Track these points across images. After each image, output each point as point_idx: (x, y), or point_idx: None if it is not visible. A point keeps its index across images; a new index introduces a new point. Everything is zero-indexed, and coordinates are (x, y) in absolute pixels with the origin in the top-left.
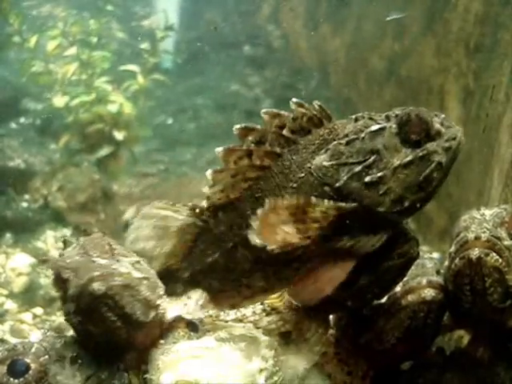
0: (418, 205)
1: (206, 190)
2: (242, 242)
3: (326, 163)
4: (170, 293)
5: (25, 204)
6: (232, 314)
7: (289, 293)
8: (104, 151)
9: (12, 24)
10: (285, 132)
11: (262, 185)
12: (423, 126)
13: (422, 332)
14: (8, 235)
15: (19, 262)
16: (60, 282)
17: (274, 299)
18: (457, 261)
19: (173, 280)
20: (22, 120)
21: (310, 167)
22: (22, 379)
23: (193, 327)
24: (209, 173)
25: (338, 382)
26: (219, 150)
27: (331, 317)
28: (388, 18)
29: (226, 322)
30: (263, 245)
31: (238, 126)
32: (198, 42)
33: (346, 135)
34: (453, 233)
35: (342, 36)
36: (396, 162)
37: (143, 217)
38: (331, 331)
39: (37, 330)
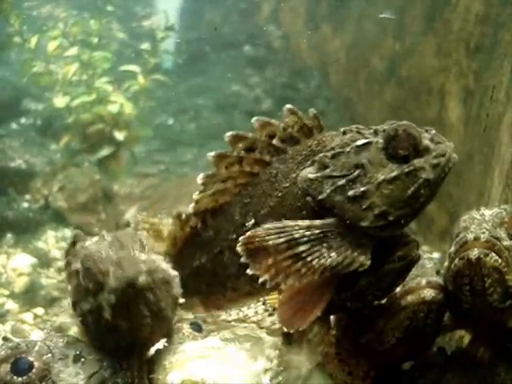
0: (403, 220)
1: (195, 195)
2: (229, 247)
3: (311, 175)
4: None
5: (26, 204)
6: (234, 315)
7: (281, 323)
8: (105, 151)
9: (13, 24)
10: (275, 141)
11: (250, 191)
12: (411, 142)
13: (422, 332)
14: (9, 235)
15: (20, 262)
16: (92, 273)
17: (276, 300)
18: (456, 261)
19: None
20: (23, 120)
21: (294, 177)
22: (25, 377)
23: (196, 327)
24: (200, 177)
25: (339, 382)
26: (211, 154)
27: (332, 317)
28: (381, 16)
29: (229, 322)
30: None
31: (229, 134)
32: (198, 42)
33: (333, 148)
34: (453, 233)
35: (343, 36)
36: (381, 177)
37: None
38: (332, 332)
39: (38, 330)
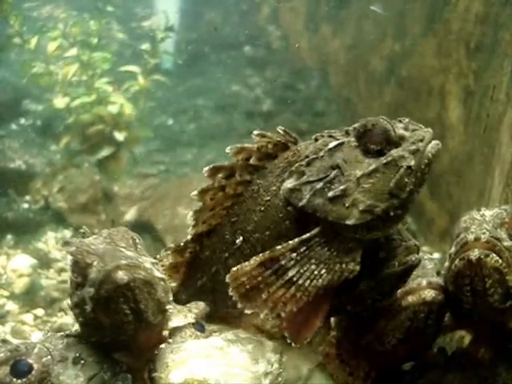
0: (393, 213)
1: (189, 230)
2: (223, 266)
3: (290, 185)
4: None
5: (25, 205)
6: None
7: (289, 340)
8: (104, 152)
9: (12, 25)
10: (252, 161)
11: (237, 209)
12: (382, 135)
13: (423, 333)
14: (9, 236)
15: (20, 263)
16: (80, 266)
17: None
18: (457, 262)
19: (174, 301)
20: (23, 121)
21: (275, 190)
22: (24, 379)
23: (199, 327)
24: (189, 216)
25: (340, 382)
26: (194, 193)
27: (332, 318)
28: (371, 7)
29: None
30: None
31: (206, 168)
32: (198, 42)
33: (307, 156)
34: (453, 234)
35: (342, 36)
36: (359, 172)
37: None
38: (333, 333)
39: (38, 331)
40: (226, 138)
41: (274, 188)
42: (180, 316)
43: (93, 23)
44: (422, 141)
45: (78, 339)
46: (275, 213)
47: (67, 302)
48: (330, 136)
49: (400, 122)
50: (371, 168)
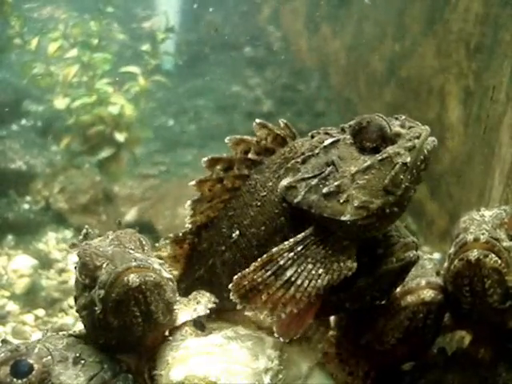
0: (389, 210)
1: (187, 219)
2: (220, 259)
3: (285, 183)
4: None
5: (26, 206)
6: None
7: (277, 334)
8: (105, 153)
9: (13, 26)
10: (250, 155)
11: (234, 203)
12: (378, 132)
13: (422, 333)
14: (10, 237)
15: (21, 264)
16: (88, 268)
17: None
18: (456, 262)
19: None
20: (24, 122)
21: (271, 186)
22: (25, 380)
23: (199, 326)
24: (188, 204)
25: (339, 382)
26: (192, 183)
27: (332, 318)
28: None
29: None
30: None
31: (205, 159)
32: (198, 43)
33: (303, 153)
34: (452, 234)
35: (343, 37)
36: (353, 169)
37: None
38: (332, 332)
39: (39, 332)
40: (226, 138)
41: (271, 184)
42: (188, 310)
43: (93, 24)
44: (418, 138)
45: (78, 339)
46: (271, 208)
47: (68, 303)
48: (326, 133)
49: (397, 119)
50: (366, 164)
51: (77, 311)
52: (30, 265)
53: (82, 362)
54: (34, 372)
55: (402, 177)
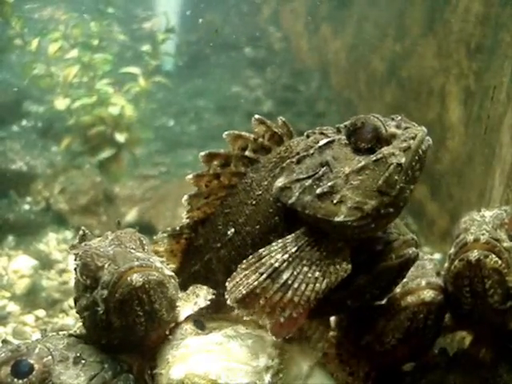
0: (384, 211)
1: (184, 215)
2: (215, 255)
3: (280, 184)
4: None
5: (27, 206)
6: (234, 314)
7: (270, 332)
8: (105, 153)
9: (13, 27)
10: (247, 153)
11: (230, 201)
12: (372, 133)
13: (422, 333)
14: (10, 238)
15: (21, 265)
16: (90, 269)
17: None
18: (456, 263)
19: None
20: (24, 123)
21: (266, 185)
22: (25, 380)
23: (199, 325)
24: (185, 199)
25: (340, 382)
26: (189, 177)
27: (333, 318)
28: None
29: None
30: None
31: (202, 153)
32: (199, 44)
33: (298, 153)
34: (453, 234)
35: (343, 37)
36: (348, 169)
37: None
38: (333, 333)
39: (39, 332)
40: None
41: (266, 183)
42: (189, 304)
43: (94, 25)
44: (413, 138)
45: (79, 339)
46: (266, 208)
47: (68, 303)
48: (322, 133)
49: (393, 119)
50: (360, 165)
51: (77, 312)
52: (31, 265)
53: (83, 361)
54: (34, 372)
55: (396, 177)
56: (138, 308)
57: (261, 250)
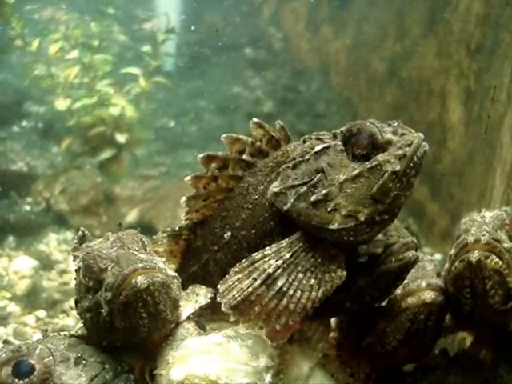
0: (378, 218)
1: (183, 216)
2: (212, 257)
3: (275, 189)
4: None
5: (27, 207)
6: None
7: (265, 336)
8: (106, 154)
9: (14, 28)
10: (245, 156)
11: (227, 204)
12: (368, 139)
13: (423, 334)
14: (11, 238)
15: (22, 265)
16: (93, 271)
17: None
18: (457, 263)
19: None
20: (24, 123)
21: (263, 189)
22: (26, 380)
23: (200, 326)
24: (183, 200)
25: (340, 383)
26: (187, 178)
27: (333, 320)
28: None
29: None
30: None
31: (201, 155)
32: (199, 44)
33: (294, 158)
34: (453, 235)
35: (343, 38)
36: (342, 177)
37: None
38: (333, 334)
39: (40, 333)
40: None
41: (262, 187)
42: (190, 303)
43: (94, 25)
44: (409, 146)
45: (80, 340)
46: (261, 212)
47: (69, 304)
48: (318, 138)
49: (389, 125)
50: (355, 173)
51: (79, 314)
52: (31, 266)
53: (84, 362)
54: (35, 372)
55: (390, 185)
56: (142, 310)
57: (254, 254)
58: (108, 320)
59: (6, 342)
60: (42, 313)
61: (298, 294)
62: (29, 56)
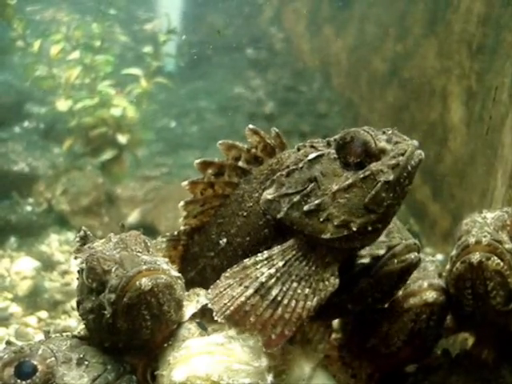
0: (371, 227)
1: (181, 220)
2: (209, 264)
3: (269, 196)
4: None
5: (29, 208)
6: None
7: (263, 345)
8: (107, 155)
9: (15, 29)
10: (240, 163)
11: (223, 211)
12: (362, 147)
13: (425, 334)
14: (12, 239)
15: (24, 266)
16: (96, 272)
17: None
18: (458, 265)
19: None
20: (26, 124)
21: (257, 197)
22: (29, 381)
23: (201, 326)
24: (181, 205)
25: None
26: (184, 183)
27: (337, 322)
28: None
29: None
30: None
31: (197, 161)
32: (200, 45)
33: (288, 166)
34: (455, 236)
35: (345, 38)
36: (335, 187)
37: None
38: (335, 335)
39: (42, 334)
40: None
41: (257, 195)
42: (191, 303)
43: (95, 26)
44: (403, 155)
45: (82, 340)
46: (256, 220)
47: (71, 305)
48: (312, 146)
49: (383, 133)
50: (348, 182)
51: (81, 315)
52: (33, 267)
53: (86, 363)
54: (37, 373)
55: (383, 195)
56: (146, 312)
57: (246, 260)
58: (111, 321)
59: (8, 342)
60: (43, 314)
61: (293, 303)
62: (30, 57)
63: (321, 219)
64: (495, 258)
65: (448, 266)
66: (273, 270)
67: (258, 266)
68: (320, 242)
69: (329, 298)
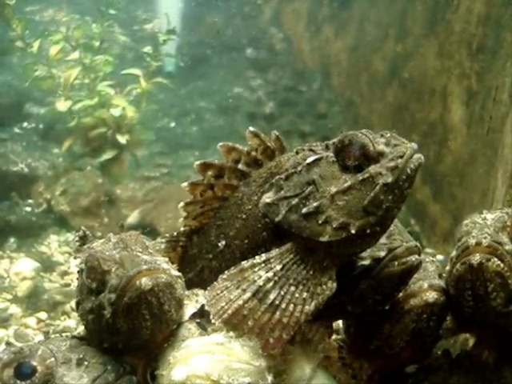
0: (370, 230)
1: (181, 221)
2: (207, 266)
3: (268, 200)
4: None
5: (28, 208)
6: None
7: (261, 348)
8: (107, 155)
9: (15, 29)
10: (240, 166)
11: (222, 213)
12: (360, 150)
13: (425, 334)
14: (12, 240)
15: (23, 267)
16: (96, 272)
17: None
18: (458, 266)
19: None
20: (25, 124)
21: (256, 200)
22: (28, 382)
23: (201, 326)
24: (181, 205)
25: None
26: (184, 184)
27: (341, 325)
28: None
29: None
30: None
31: (197, 163)
32: (200, 45)
33: (286, 169)
34: (455, 237)
35: (345, 38)
36: (333, 189)
37: None
38: (336, 336)
39: (41, 335)
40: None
41: (256, 198)
42: (191, 303)
43: (95, 26)
44: (401, 157)
45: (82, 341)
46: (254, 222)
47: (70, 306)
48: (311, 150)
49: (382, 136)
50: (346, 185)
51: (80, 315)
52: (33, 268)
53: (86, 363)
54: (37, 374)
55: (382, 197)
56: (146, 311)
57: (243, 263)
58: (111, 322)
59: (8, 343)
60: (43, 314)
61: (291, 307)
62: (30, 57)
63: (319, 221)
64: (495, 259)
65: (448, 267)
66: (270, 274)
67: (256, 269)
68: (318, 245)
69: (329, 299)
